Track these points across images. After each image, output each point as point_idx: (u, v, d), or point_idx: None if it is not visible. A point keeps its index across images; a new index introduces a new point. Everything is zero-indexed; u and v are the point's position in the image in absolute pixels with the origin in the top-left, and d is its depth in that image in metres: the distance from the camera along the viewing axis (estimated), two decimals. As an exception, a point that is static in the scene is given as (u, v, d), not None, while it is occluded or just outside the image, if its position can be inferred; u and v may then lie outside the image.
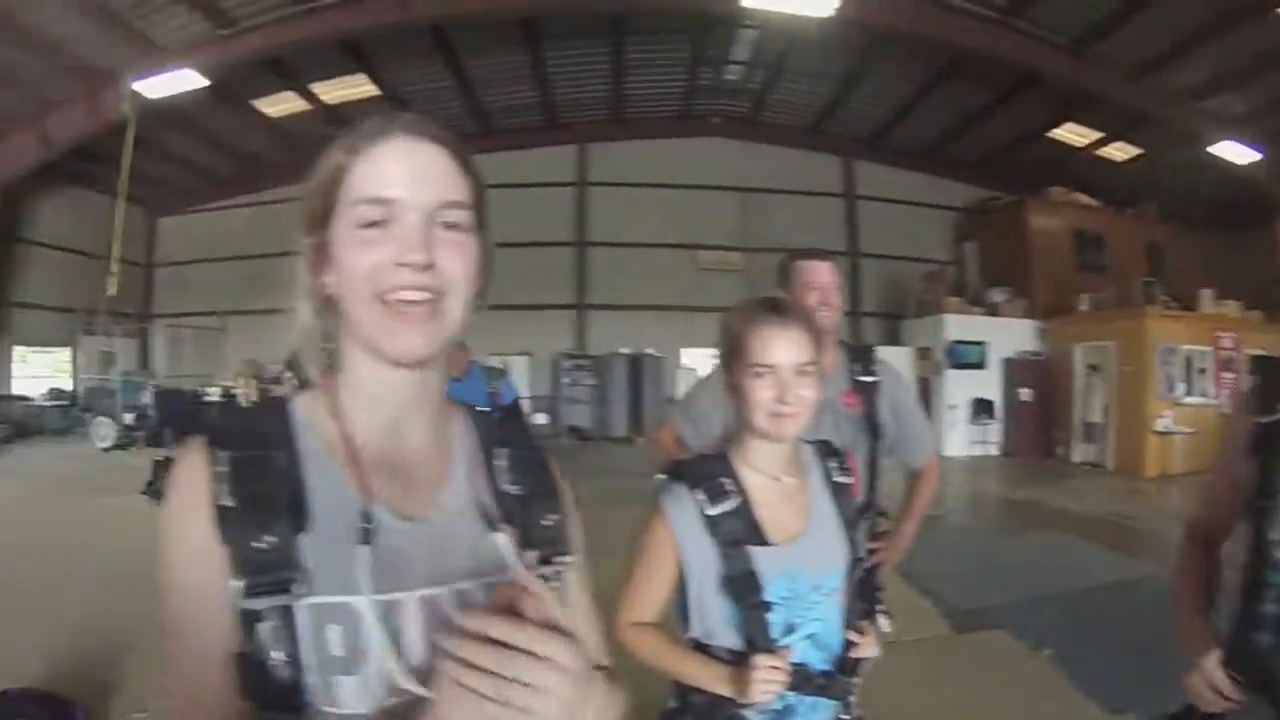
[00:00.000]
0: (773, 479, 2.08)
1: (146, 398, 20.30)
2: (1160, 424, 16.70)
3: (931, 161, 23.72)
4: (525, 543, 1.16)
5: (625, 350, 22.63)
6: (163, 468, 12.72)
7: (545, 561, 1.17)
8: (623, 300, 23.88)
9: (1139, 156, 20.87)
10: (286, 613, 0.99)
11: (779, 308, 2.09)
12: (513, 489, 1.21)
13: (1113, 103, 17.38)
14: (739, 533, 1.99)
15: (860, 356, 3.19)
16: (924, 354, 20.69)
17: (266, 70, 18.02)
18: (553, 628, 0.89)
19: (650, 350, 22.74)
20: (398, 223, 1.06)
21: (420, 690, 0.96)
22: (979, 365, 19.95)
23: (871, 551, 3.11)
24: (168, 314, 25.78)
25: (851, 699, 2.16)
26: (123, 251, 19.73)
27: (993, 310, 20.62)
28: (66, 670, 5.26)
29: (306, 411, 1.16)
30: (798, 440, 2.11)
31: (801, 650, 2.01)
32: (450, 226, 1.09)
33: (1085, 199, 21.71)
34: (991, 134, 21.37)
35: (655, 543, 2.01)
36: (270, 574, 0.99)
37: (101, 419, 19.80)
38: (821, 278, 3.11)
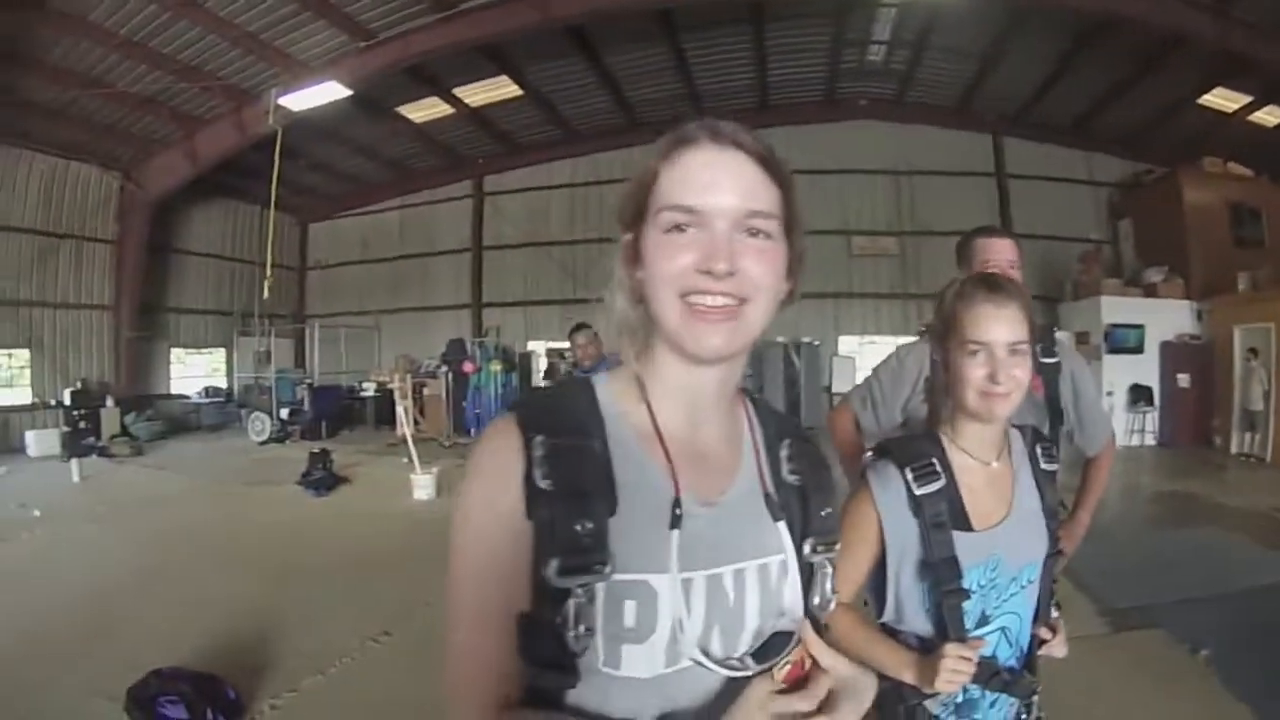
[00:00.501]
0: (982, 463, 2.06)
1: (301, 394, 21.26)
2: (1327, 411, 15.59)
3: (1081, 136, 22.84)
4: (802, 532, 1.26)
5: (781, 339, 22.03)
6: (318, 459, 13.28)
7: (816, 550, 1.26)
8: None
9: None
10: (590, 589, 1.07)
11: (994, 285, 2.05)
12: (793, 479, 1.30)
13: (1262, 63, 16.38)
14: (944, 516, 1.97)
15: (1041, 337, 2.91)
16: (1082, 338, 19.69)
17: (408, 77, 18.39)
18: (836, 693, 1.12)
19: (807, 338, 22.39)
20: (703, 229, 1.13)
21: (702, 660, 1.11)
22: (1137, 349, 19.02)
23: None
24: (320, 314, 26.89)
25: (1035, 698, 2.10)
26: (276, 257, 20.50)
27: (1150, 291, 19.59)
28: (219, 651, 5.50)
29: (611, 395, 1.24)
30: (1007, 423, 2.09)
31: (992, 643, 2.00)
32: (755, 234, 1.15)
33: (1241, 169, 20.44)
34: (1140, 104, 20.37)
35: (859, 520, 1.98)
36: (585, 556, 1.06)
37: (258, 414, 20.70)
38: (1001, 255, 3.10)
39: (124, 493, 13.13)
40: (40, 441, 18.10)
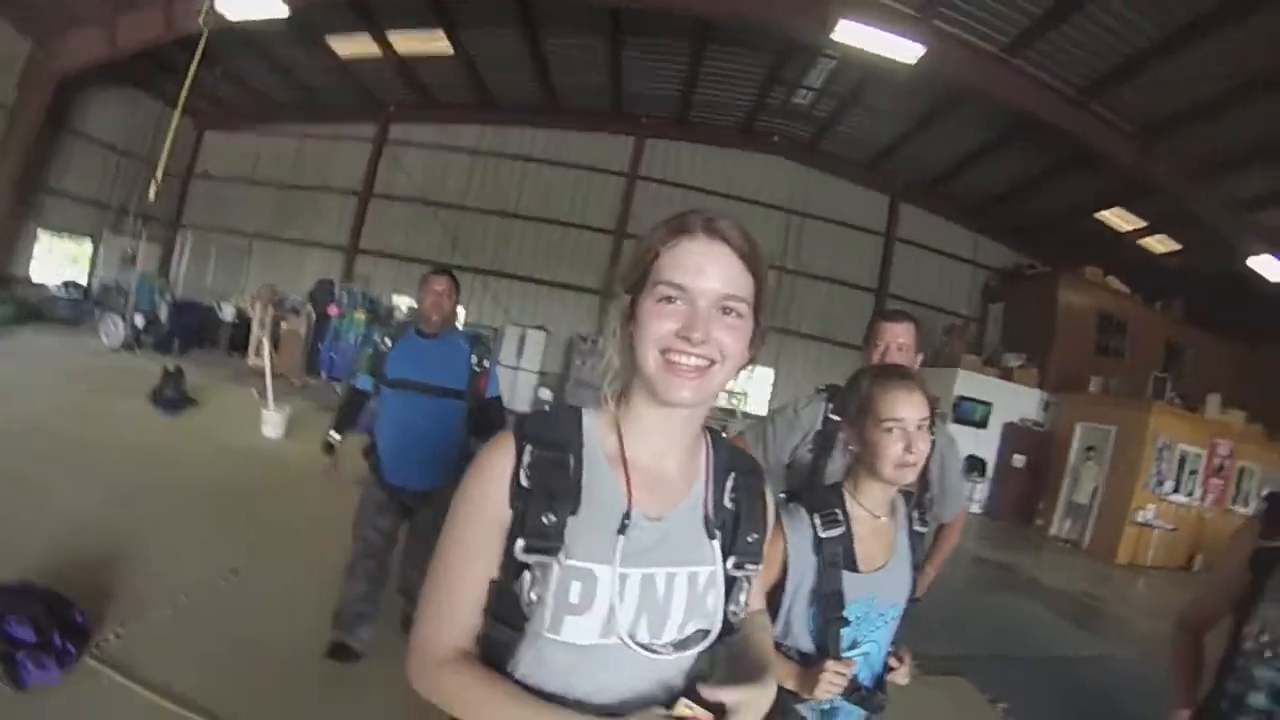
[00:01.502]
0: (873, 516, 2.47)
1: (161, 303, 20.46)
2: (1142, 515, 17.08)
3: (975, 218, 23.93)
4: (729, 550, 1.56)
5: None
6: (171, 378, 12.94)
7: (739, 567, 1.56)
8: None
9: (1177, 252, 21.16)
10: (546, 568, 1.42)
11: (904, 374, 2.52)
12: (730, 506, 1.59)
13: (1165, 196, 17.65)
14: (839, 557, 2.38)
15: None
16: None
17: (347, 8, 18.29)
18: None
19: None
20: (689, 304, 1.43)
21: (627, 640, 1.44)
22: (981, 425, 20.27)
23: None
24: (197, 226, 26.04)
25: (883, 715, 2.55)
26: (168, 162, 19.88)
27: (1006, 374, 20.90)
28: (64, 566, 5.31)
29: (593, 423, 1.56)
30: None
31: (856, 665, 2.37)
32: (728, 312, 1.45)
33: (1116, 284, 22.18)
34: (1040, 203, 21.61)
35: (770, 553, 2.14)
36: (546, 541, 1.42)
37: (112, 316, 19.85)
38: (898, 337, 3.55)
39: None
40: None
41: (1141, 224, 20.61)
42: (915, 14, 14.72)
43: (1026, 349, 21.18)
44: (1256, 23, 12.16)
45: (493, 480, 1.47)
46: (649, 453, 1.54)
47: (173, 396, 12.73)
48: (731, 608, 1.55)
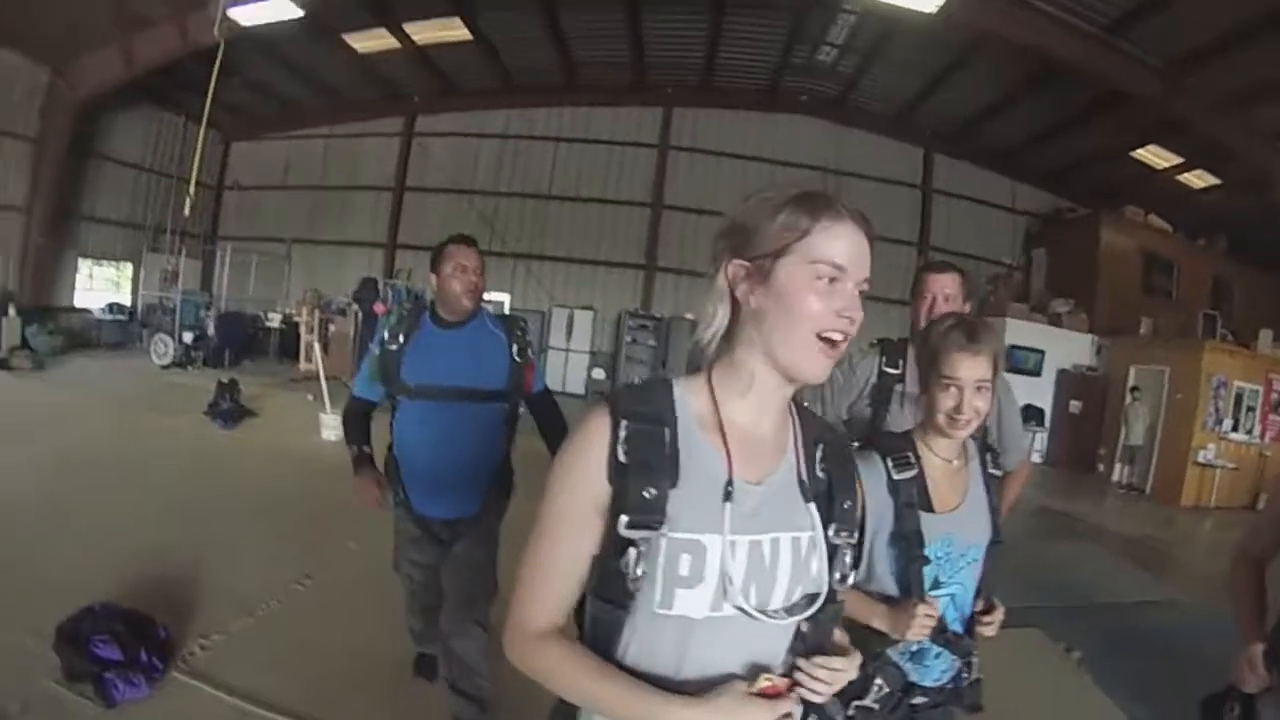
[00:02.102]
0: (944, 461, 2.58)
1: (207, 318, 20.88)
2: (1203, 455, 16.92)
3: (1011, 165, 23.61)
4: (827, 518, 1.58)
5: (689, 315, 22.23)
6: (226, 389, 13.18)
7: (838, 534, 1.59)
8: (691, 265, 23.69)
9: (1216, 187, 20.71)
10: (651, 542, 1.43)
11: (972, 331, 2.52)
12: (822, 475, 1.63)
13: (1199, 131, 17.33)
14: (913, 498, 2.48)
15: None
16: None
17: (361, 4, 18.40)
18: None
19: (721, 317, 22.87)
20: (843, 284, 1.49)
21: (745, 606, 1.46)
22: (1034, 373, 19.99)
23: None
24: (234, 237, 26.15)
25: (974, 660, 2.66)
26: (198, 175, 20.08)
27: (1055, 320, 20.77)
28: (142, 586, 5.47)
29: (684, 392, 1.58)
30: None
31: (942, 606, 2.47)
32: (861, 293, 1.52)
33: (1159, 222, 21.91)
34: (1074, 145, 21.25)
35: None
36: (648, 514, 1.42)
37: (161, 336, 20.26)
38: (945, 287, 3.61)
39: (26, 411, 12.81)
40: (-66, 348, 17.49)
41: (1178, 160, 20.12)
42: (933, -39, 14.57)
43: (1073, 294, 20.99)
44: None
45: (591, 457, 1.48)
46: (746, 420, 1.56)
47: (229, 408, 13.04)
48: (836, 574, 1.58)
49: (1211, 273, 21.91)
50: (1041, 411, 19.96)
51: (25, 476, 8.47)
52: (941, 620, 2.45)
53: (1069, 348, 20.31)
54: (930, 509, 2.49)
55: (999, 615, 2.59)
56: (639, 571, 1.42)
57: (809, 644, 1.55)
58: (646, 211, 24.49)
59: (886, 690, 2.53)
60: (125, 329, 22.99)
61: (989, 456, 2.70)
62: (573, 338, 23.21)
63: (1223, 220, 21.50)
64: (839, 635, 1.62)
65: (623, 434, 1.46)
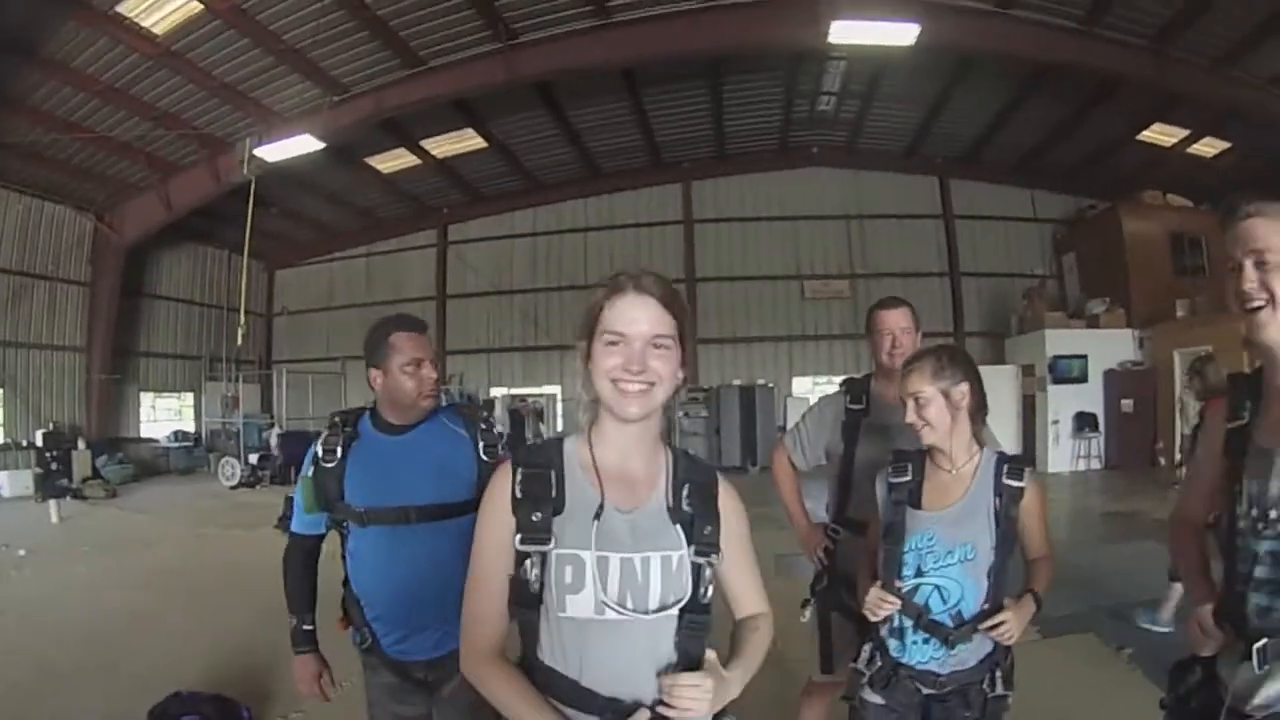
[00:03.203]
0: (943, 469, 2.90)
1: (270, 438, 21.79)
2: (1257, 428, 16.48)
3: (1025, 174, 24.29)
4: (690, 539, 1.93)
5: (737, 382, 23.25)
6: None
7: (700, 554, 1.93)
8: (733, 333, 24.58)
9: (1228, 151, 20.71)
10: (543, 557, 1.84)
11: (911, 359, 3.01)
12: (688, 508, 1.96)
13: (1197, 98, 17.56)
14: (903, 496, 2.89)
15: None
16: (1028, 371, 20.86)
17: (377, 128, 19.30)
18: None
19: (761, 381, 23.40)
20: (628, 345, 1.86)
21: (615, 607, 1.83)
22: (1081, 379, 20.29)
23: None
24: (288, 360, 27.45)
25: (996, 673, 2.86)
26: (245, 304, 21.17)
27: (1093, 322, 20.86)
28: (223, 679, 5.88)
29: (572, 445, 2.00)
30: (972, 446, 2.93)
31: (926, 595, 2.79)
32: (659, 346, 1.87)
33: (1180, 200, 21.82)
34: (1082, 141, 21.68)
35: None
36: (535, 534, 1.84)
37: (228, 459, 21.35)
38: (890, 323, 3.83)
39: (105, 534, 13.75)
40: (14, 482, 18.72)
41: (1185, 133, 20.37)
42: (902, -7, 15.32)
43: (1108, 291, 21.28)
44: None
45: (498, 498, 1.93)
46: (616, 459, 1.96)
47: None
48: (701, 589, 1.94)
49: (1241, 236, 21.26)
50: (1094, 416, 19.97)
51: (115, 589, 9.34)
52: (920, 608, 2.79)
53: (1111, 347, 20.26)
54: (919, 506, 2.87)
55: (1003, 618, 2.69)
56: (534, 577, 1.84)
57: (684, 644, 1.92)
58: (681, 287, 24.67)
59: (879, 663, 2.90)
60: (191, 455, 24.25)
61: (1005, 468, 2.87)
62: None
63: (1242, 181, 20.93)
64: (709, 654, 1.92)
65: (518, 477, 1.90)
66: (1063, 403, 20.09)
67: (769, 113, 21.97)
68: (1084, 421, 19.89)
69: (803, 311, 24.59)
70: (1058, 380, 20.02)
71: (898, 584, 2.80)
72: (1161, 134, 20.44)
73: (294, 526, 3.48)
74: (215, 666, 6.31)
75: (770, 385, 23.38)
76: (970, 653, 2.80)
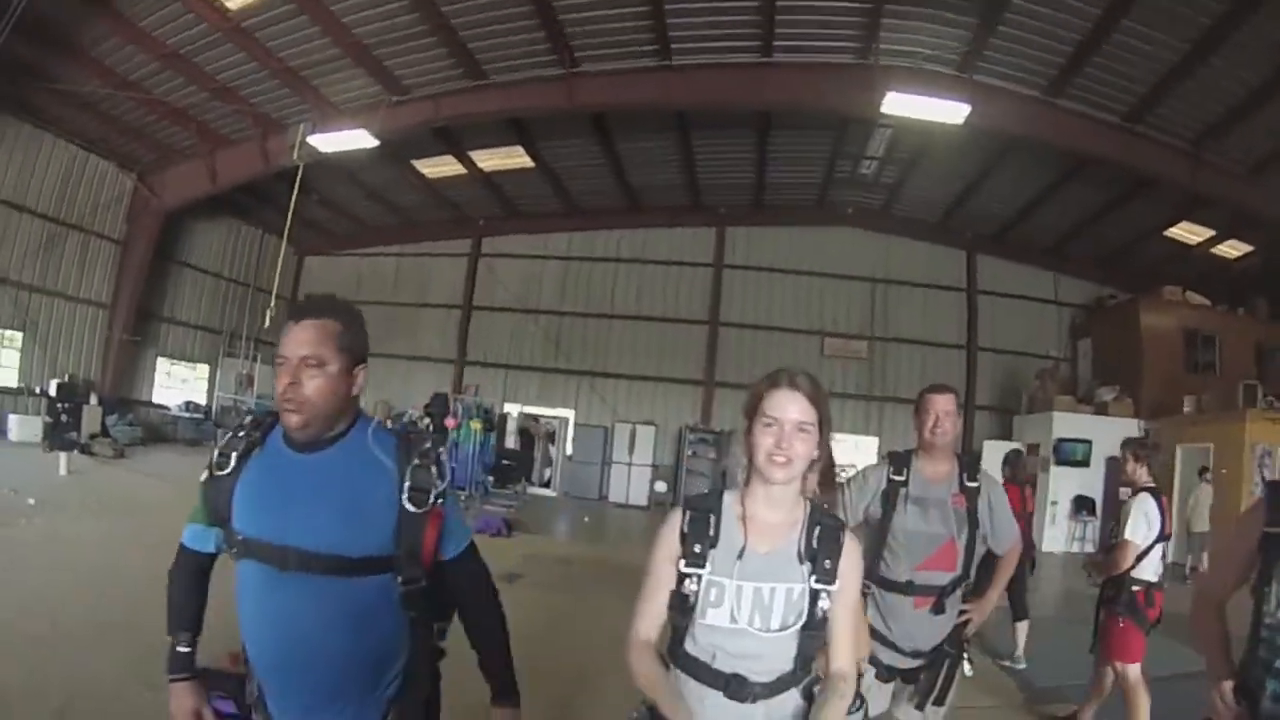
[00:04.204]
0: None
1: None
2: (1252, 528, 16.38)
3: (1052, 258, 24.88)
4: (814, 572, 2.36)
5: (749, 431, 23.27)
6: None
7: (819, 582, 2.36)
8: (749, 379, 24.12)
9: (1250, 254, 21.44)
10: (699, 578, 2.35)
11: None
12: (816, 545, 2.40)
13: (1226, 201, 17.99)
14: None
15: (968, 466, 4.28)
16: (1032, 449, 20.91)
17: (429, 133, 19.88)
18: None
19: (774, 432, 23.41)
20: (779, 428, 2.35)
21: (741, 623, 2.32)
22: (1084, 463, 20.51)
23: (963, 611, 4.27)
24: (307, 347, 27.55)
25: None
26: (269, 283, 21.57)
27: (1101, 408, 21.16)
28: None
29: (730, 497, 2.48)
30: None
31: None
32: (803, 430, 2.35)
33: (1198, 298, 22.16)
34: (1111, 232, 22.38)
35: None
36: (694, 560, 2.36)
37: (238, 435, 21.32)
38: (937, 406, 4.20)
39: (114, 493, 14.16)
40: (23, 427, 19.17)
41: (1210, 233, 21.08)
42: (956, 74, 15.88)
43: (1119, 379, 21.71)
44: (1271, 7, 12.61)
45: (670, 532, 2.43)
46: (763, 511, 2.43)
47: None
48: (816, 612, 2.36)
49: (1254, 340, 21.57)
50: (1092, 501, 20.24)
51: (127, 547, 9.57)
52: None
53: (1116, 435, 18.94)
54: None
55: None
56: (691, 593, 2.33)
57: (803, 653, 2.38)
58: (705, 329, 25.54)
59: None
60: (199, 427, 24.61)
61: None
62: (635, 452, 23.79)
63: (1261, 285, 21.68)
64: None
65: (687, 517, 2.41)
66: (1063, 484, 20.42)
67: (811, 169, 22.50)
68: (1082, 504, 20.18)
69: (820, 367, 24.35)
70: (1061, 462, 20.32)
71: None
72: (1188, 232, 21.03)
73: (185, 539, 2.76)
74: (231, 637, 6.35)
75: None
76: None
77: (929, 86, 15.31)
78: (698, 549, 2.35)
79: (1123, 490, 6.93)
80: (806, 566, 2.36)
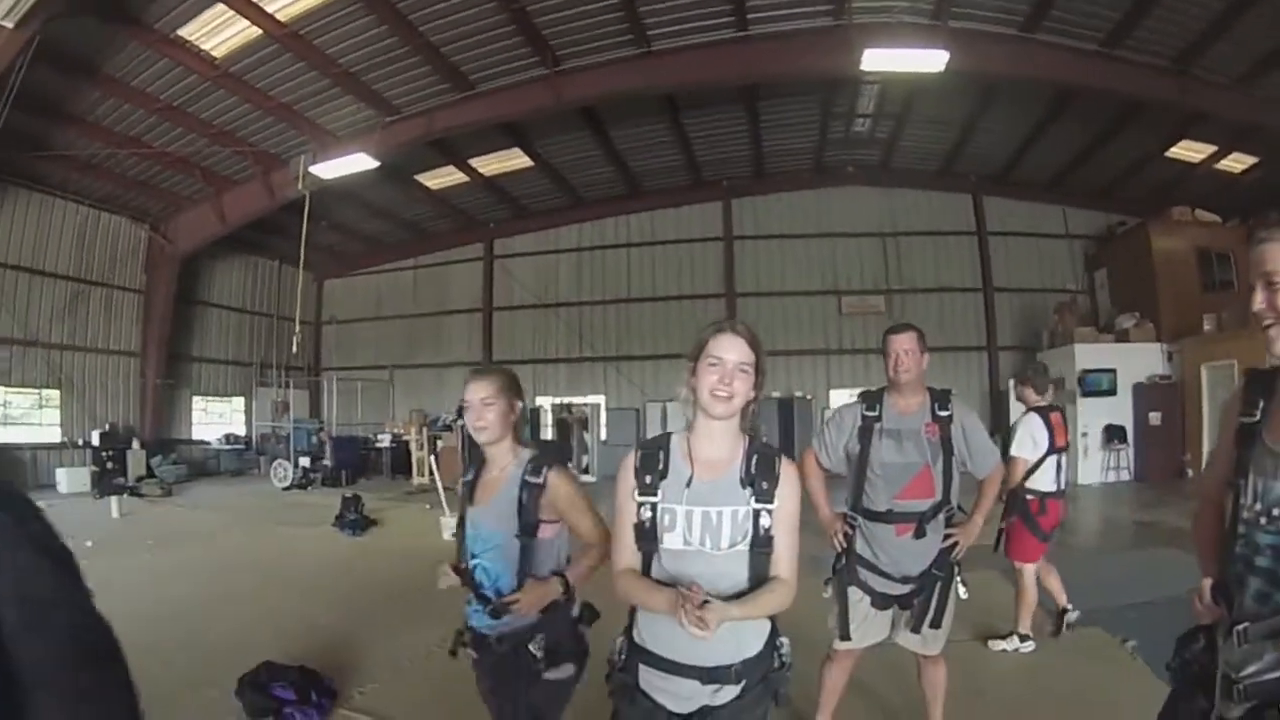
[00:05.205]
0: (492, 474, 3.50)
1: (316, 443, 22.86)
2: (1279, 443, 16.53)
3: (1057, 191, 24.89)
4: (754, 495, 2.63)
5: (776, 394, 23.47)
6: (351, 503, 14.65)
7: (759, 501, 2.62)
8: (771, 346, 24.02)
9: (1256, 165, 21.22)
10: (654, 508, 2.64)
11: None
12: (754, 471, 2.66)
13: (1222, 114, 17.94)
14: (467, 494, 3.59)
15: (939, 398, 4.52)
16: (1058, 384, 20.79)
17: (427, 147, 20.29)
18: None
19: (799, 393, 23.91)
20: (722, 368, 2.62)
21: (691, 546, 2.61)
22: (1110, 392, 20.56)
23: (948, 535, 4.46)
24: (336, 367, 28.80)
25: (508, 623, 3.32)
26: (292, 311, 22.20)
27: (1122, 336, 21.12)
28: (301, 655, 6.31)
29: (676, 436, 2.76)
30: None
31: (478, 573, 3.40)
32: (742, 370, 2.64)
33: (1208, 216, 22.00)
34: (1112, 159, 22.31)
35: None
36: (647, 491, 2.66)
37: (280, 461, 22.32)
38: (897, 346, 4.43)
39: (166, 528, 14.51)
40: (71, 479, 19.68)
41: (1211, 149, 20.91)
42: (931, 22, 16.04)
43: (1138, 306, 21.66)
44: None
45: (626, 470, 2.72)
46: (706, 445, 2.71)
47: (355, 519, 14.29)
48: (759, 531, 2.62)
49: (1269, 250, 21.06)
50: (1122, 429, 20.45)
51: (186, 576, 10.10)
52: (476, 580, 3.41)
53: (1140, 361, 20.68)
54: (471, 502, 3.53)
55: (521, 595, 3.18)
56: (646, 520, 2.62)
57: (755, 571, 2.61)
58: (722, 302, 25.83)
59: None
60: (241, 457, 25.41)
61: (530, 466, 3.33)
62: (668, 429, 23.63)
63: (1271, 197, 20.51)
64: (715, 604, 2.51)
65: (639, 455, 2.70)
66: (1092, 416, 20.39)
67: (805, 134, 22.74)
68: (1113, 434, 20.16)
69: (840, 326, 25.24)
70: (1087, 393, 20.32)
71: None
72: (1189, 150, 20.95)
73: None
74: (290, 644, 6.79)
75: (808, 397, 23.92)
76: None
77: (906, 39, 15.52)
78: (649, 480, 2.65)
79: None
80: (748, 490, 2.63)
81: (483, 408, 3.34)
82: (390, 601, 8.80)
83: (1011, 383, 6.92)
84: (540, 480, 3.25)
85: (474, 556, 3.42)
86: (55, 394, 21.33)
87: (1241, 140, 19.81)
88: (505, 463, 3.39)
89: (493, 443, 3.38)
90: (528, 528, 3.24)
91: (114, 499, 16.50)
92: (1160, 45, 16.23)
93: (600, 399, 26.32)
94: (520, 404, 3.46)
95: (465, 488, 3.57)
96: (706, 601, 2.33)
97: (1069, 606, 7.14)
